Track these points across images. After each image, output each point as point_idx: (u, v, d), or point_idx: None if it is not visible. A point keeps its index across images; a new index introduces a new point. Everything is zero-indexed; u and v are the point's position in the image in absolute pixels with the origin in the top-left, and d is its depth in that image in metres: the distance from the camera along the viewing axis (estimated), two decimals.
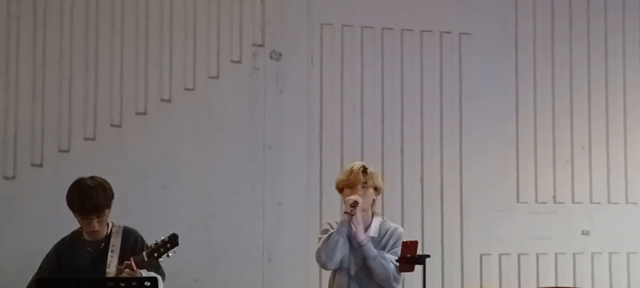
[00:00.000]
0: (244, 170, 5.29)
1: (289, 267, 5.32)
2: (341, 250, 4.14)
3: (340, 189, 4.30)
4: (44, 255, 4.20)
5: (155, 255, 3.86)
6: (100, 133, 5.10)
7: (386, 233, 4.24)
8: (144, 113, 5.18)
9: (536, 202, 5.80)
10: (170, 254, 3.89)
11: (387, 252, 4.19)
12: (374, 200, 4.31)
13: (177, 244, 3.88)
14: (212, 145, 5.25)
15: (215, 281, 5.20)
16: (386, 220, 4.31)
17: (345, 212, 4.16)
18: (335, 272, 4.28)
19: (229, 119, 5.29)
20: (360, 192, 4.17)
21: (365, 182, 4.18)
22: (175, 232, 3.94)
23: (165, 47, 5.23)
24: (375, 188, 4.26)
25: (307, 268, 5.26)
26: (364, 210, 4.22)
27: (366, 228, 4.22)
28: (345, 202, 4.21)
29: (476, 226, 5.66)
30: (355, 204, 4.10)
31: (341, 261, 4.19)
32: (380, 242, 4.22)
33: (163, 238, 3.89)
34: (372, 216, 4.29)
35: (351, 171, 4.24)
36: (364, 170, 4.23)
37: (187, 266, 5.08)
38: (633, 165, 5.95)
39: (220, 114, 5.27)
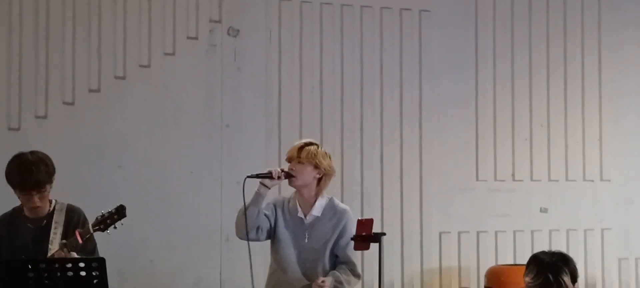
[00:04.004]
0: (201, 149, 5.21)
1: (247, 247, 5.24)
2: (254, 220, 4.08)
3: None
4: None
5: (102, 227, 3.72)
6: (52, 111, 4.96)
7: (334, 214, 4.15)
8: (98, 90, 5.05)
9: (495, 179, 5.82)
10: (116, 226, 3.75)
11: (335, 239, 4.12)
12: (319, 180, 4.18)
13: (124, 216, 3.74)
14: (168, 124, 5.15)
15: (172, 262, 5.12)
16: (334, 200, 4.21)
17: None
18: (274, 248, 4.23)
19: (186, 97, 5.19)
20: (289, 167, 4.10)
21: (299, 157, 4.10)
22: (123, 204, 3.78)
23: (119, 21, 5.10)
24: (316, 167, 4.15)
25: (265, 248, 5.14)
26: (304, 187, 4.14)
27: (310, 207, 4.15)
28: None
29: (435, 204, 5.66)
30: (269, 173, 4.04)
31: (278, 238, 4.15)
32: (327, 222, 4.13)
33: (110, 210, 3.76)
34: (317, 196, 4.19)
35: (293, 145, 4.19)
36: (303, 146, 4.14)
37: (144, 247, 5.01)
38: (590, 143, 6.00)
39: (176, 91, 5.17)
